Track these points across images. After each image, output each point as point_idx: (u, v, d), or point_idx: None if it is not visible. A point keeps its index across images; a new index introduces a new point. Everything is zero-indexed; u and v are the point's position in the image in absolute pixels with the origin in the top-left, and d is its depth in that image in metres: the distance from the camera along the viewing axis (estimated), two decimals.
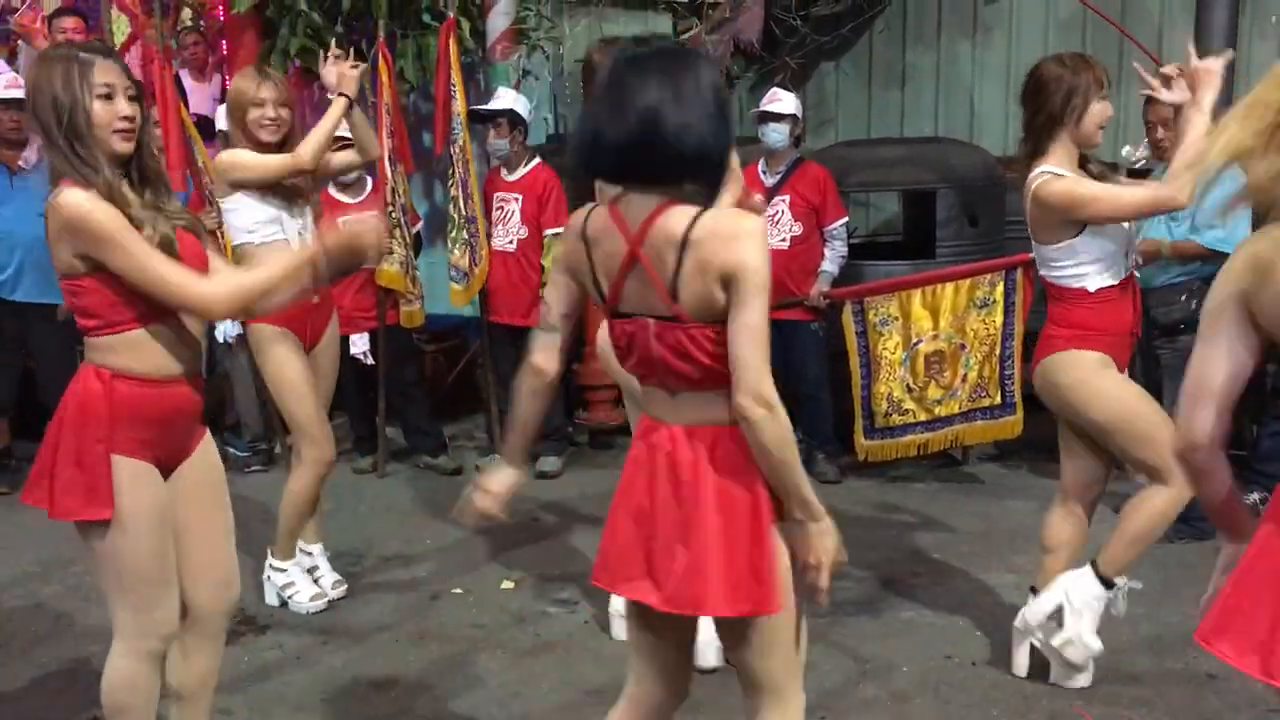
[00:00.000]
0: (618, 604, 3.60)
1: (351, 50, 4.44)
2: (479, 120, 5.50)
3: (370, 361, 5.59)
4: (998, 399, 5.00)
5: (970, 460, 5.47)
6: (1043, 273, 3.31)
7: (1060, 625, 3.29)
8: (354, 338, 5.51)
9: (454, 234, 5.59)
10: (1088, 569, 3.30)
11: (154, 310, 2.50)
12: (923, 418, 5.07)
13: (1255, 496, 4.66)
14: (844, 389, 5.20)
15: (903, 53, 7.13)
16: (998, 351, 4.94)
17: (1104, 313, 3.17)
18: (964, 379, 5.01)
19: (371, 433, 5.78)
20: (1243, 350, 1.85)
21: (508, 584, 4.32)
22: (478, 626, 3.98)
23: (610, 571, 2.23)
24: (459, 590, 4.27)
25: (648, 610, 2.17)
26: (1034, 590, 3.44)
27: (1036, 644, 3.37)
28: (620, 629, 3.70)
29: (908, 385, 5.05)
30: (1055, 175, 3.14)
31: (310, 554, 4.23)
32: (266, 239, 3.87)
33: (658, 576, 2.13)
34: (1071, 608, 3.26)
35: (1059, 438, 3.41)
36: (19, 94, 5.11)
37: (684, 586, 2.09)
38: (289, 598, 4.13)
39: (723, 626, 2.27)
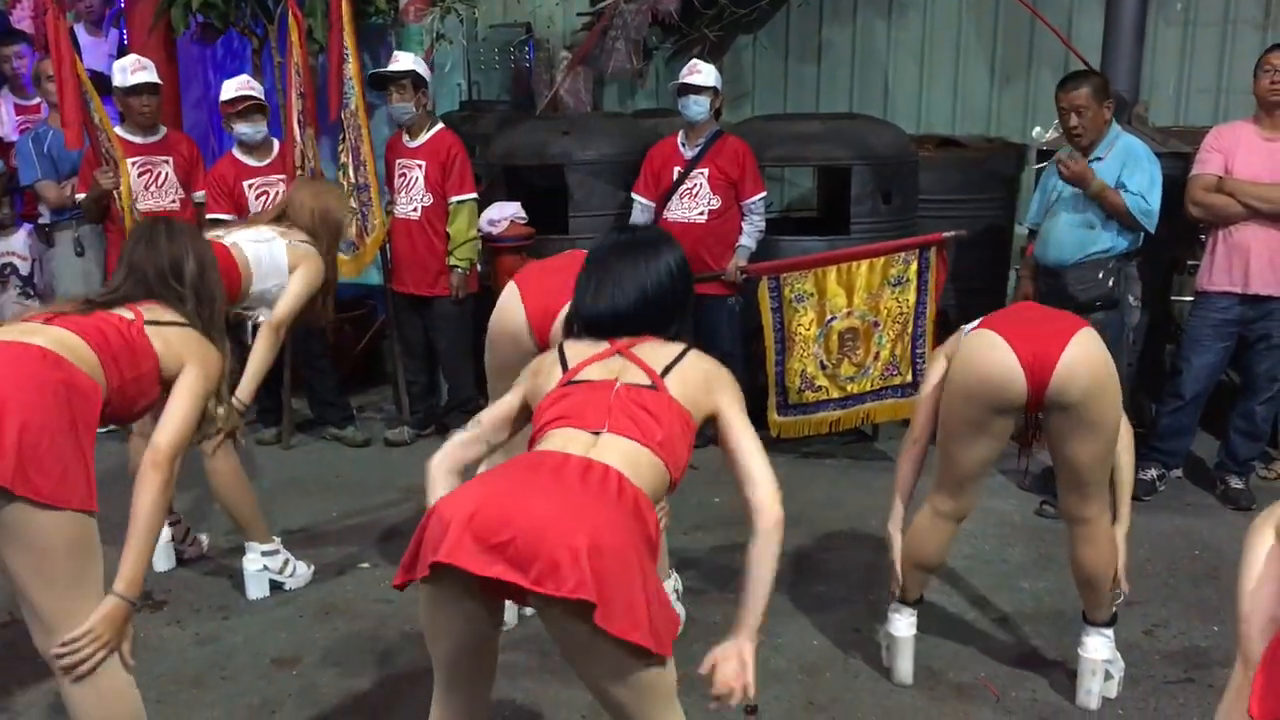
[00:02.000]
0: None
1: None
2: (380, 85, 5.36)
3: None
4: (909, 377, 5.06)
5: (880, 437, 5.52)
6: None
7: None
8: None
9: None
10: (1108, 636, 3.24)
11: None
12: (835, 395, 5.11)
13: (1153, 473, 4.81)
14: (758, 365, 5.21)
15: (819, 28, 7.13)
16: (910, 330, 5.00)
17: None
18: (876, 356, 5.06)
19: (276, 404, 5.63)
20: None
21: None
22: (385, 602, 3.90)
23: (451, 548, 1.97)
24: (366, 565, 4.19)
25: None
26: (908, 602, 3.32)
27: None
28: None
29: (821, 362, 5.08)
30: None
31: (177, 520, 4.16)
32: None
33: (523, 563, 1.93)
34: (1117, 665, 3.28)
35: (974, 439, 3.10)
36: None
37: (568, 578, 1.94)
38: (289, 576, 3.98)
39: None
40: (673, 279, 2.36)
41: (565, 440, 2.11)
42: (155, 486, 2.41)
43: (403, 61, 5.29)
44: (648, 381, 2.20)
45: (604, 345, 2.29)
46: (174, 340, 2.61)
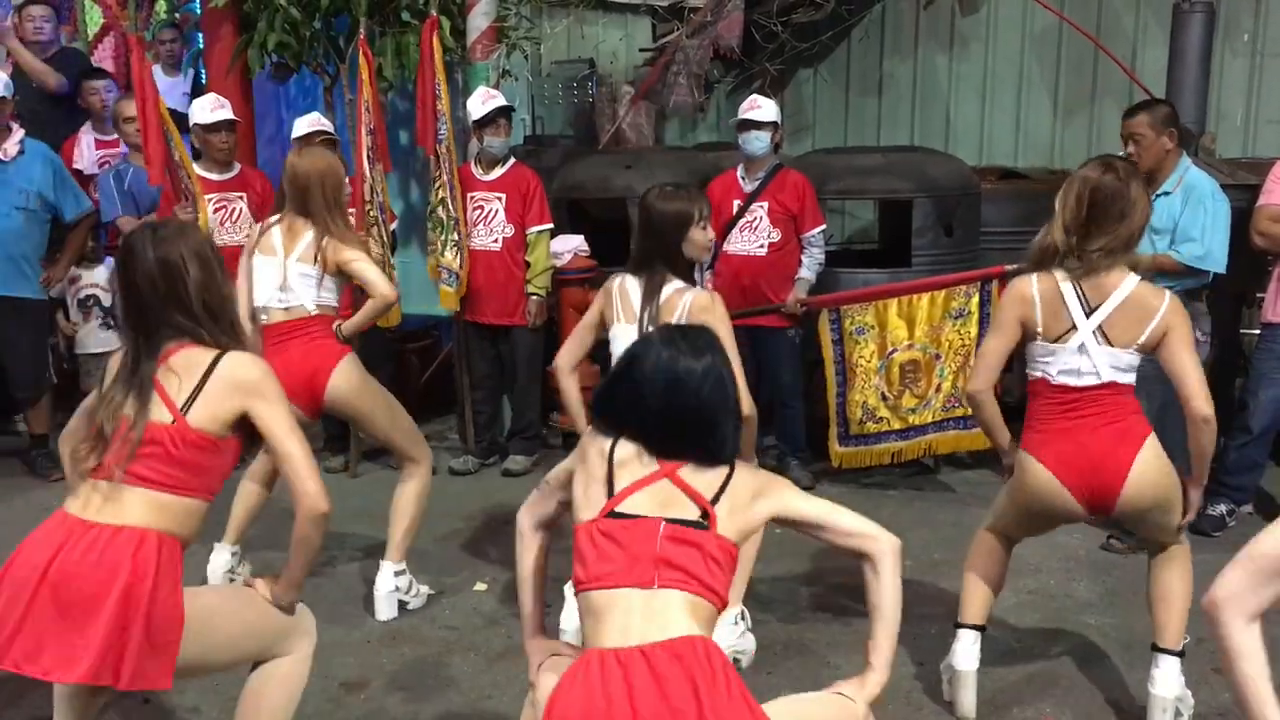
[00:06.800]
0: (567, 622, 3.62)
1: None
2: (482, 123, 5.44)
3: None
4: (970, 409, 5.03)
5: (942, 469, 5.49)
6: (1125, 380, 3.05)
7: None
8: None
9: (444, 236, 5.52)
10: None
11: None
12: (897, 426, 5.10)
13: (1222, 509, 4.73)
14: (819, 396, 5.22)
15: (880, 62, 7.17)
16: (971, 362, 4.97)
17: None
18: (938, 389, 5.05)
19: (344, 432, 5.74)
20: None
21: (480, 586, 4.31)
22: (450, 629, 3.96)
23: None
24: (431, 592, 4.25)
25: None
26: (971, 626, 3.34)
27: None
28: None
29: (882, 394, 5.08)
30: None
31: (236, 552, 4.25)
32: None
33: None
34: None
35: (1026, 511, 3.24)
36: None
37: None
38: (413, 595, 4.12)
39: None
40: (719, 405, 2.21)
41: (621, 614, 2.11)
42: (319, 528, 2.55)
43: (503, 97, 5.44)
44: (696, 515, 2.14)
45: (651, 462, 2.20)
46: (215, 397, 2.48)
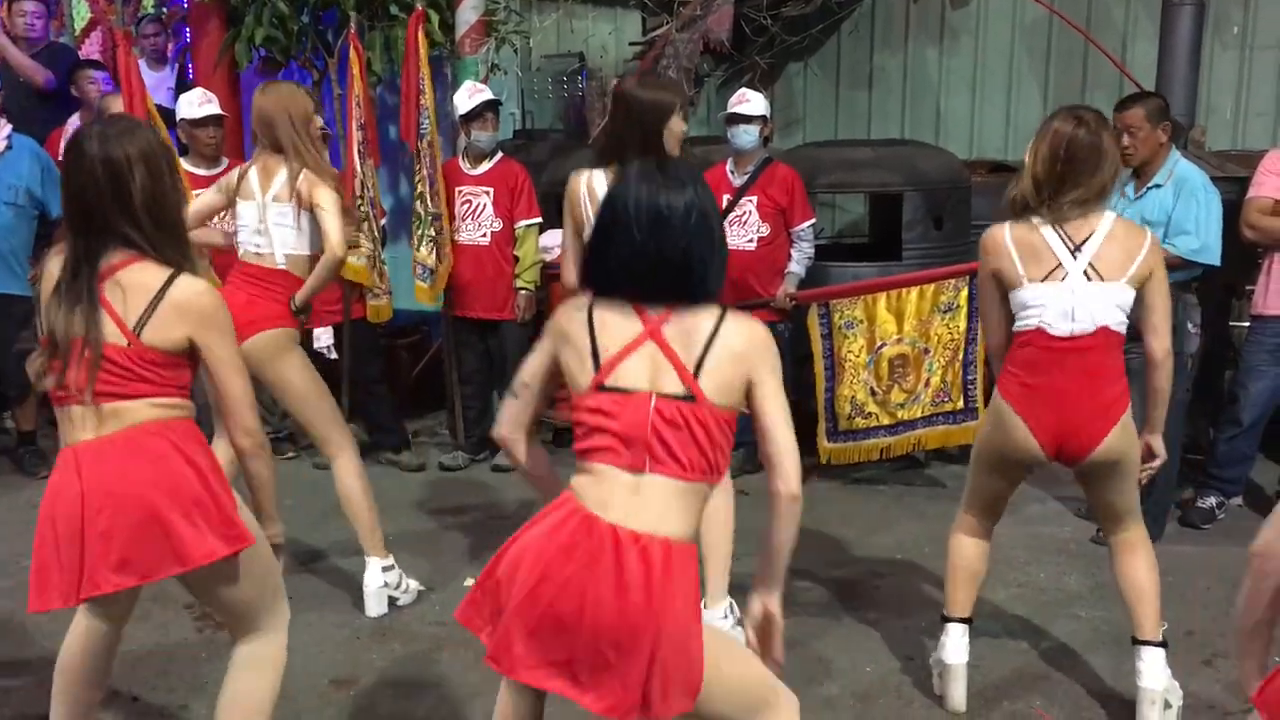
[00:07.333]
0: None
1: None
2: (469, 117, 5.42)
3: (334, 356, 5.53)
4: (960, 404, 5.03)
5: (931, 463, 5.50)
6: (1119, 324, 3.04)
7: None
8: (317, 331, 5.45)
9: (420, 231, 5.53)
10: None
11: None
12: (885, 421, 5.10)
13: (1212, 501, 4.75)
14: (808, 391, 5.21)
15: (870, 55, 7.16)
16: (961, 356, 4.97)
17: None
18: (927, 383, 5.04)
19: None
20: None
21: (470, 582, 4.27)
22: (440, 624, 3.95)
23: (511, 658, 2.10)
24: (421, 588, 4.24)
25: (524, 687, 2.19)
26: (959, 619, 3.34)
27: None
28: None
29: (871, 388, 5.07)
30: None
31: None
32: None
33: (580, 677, 2.07)
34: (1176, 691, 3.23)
35: (993, 473, 3.26)
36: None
37: (625, 696, 2.05)
38: (403, 591, 4.10)
39: None
40: (704, 240, 2.14)
41: (605, 487, 2.13)
42: (266, 462, 2.63)
43: (490, 92, 5.43)
44: (683, 389, 2.11)
45: (633, 321, 2.15)
46: (165, 321, 2.42)
